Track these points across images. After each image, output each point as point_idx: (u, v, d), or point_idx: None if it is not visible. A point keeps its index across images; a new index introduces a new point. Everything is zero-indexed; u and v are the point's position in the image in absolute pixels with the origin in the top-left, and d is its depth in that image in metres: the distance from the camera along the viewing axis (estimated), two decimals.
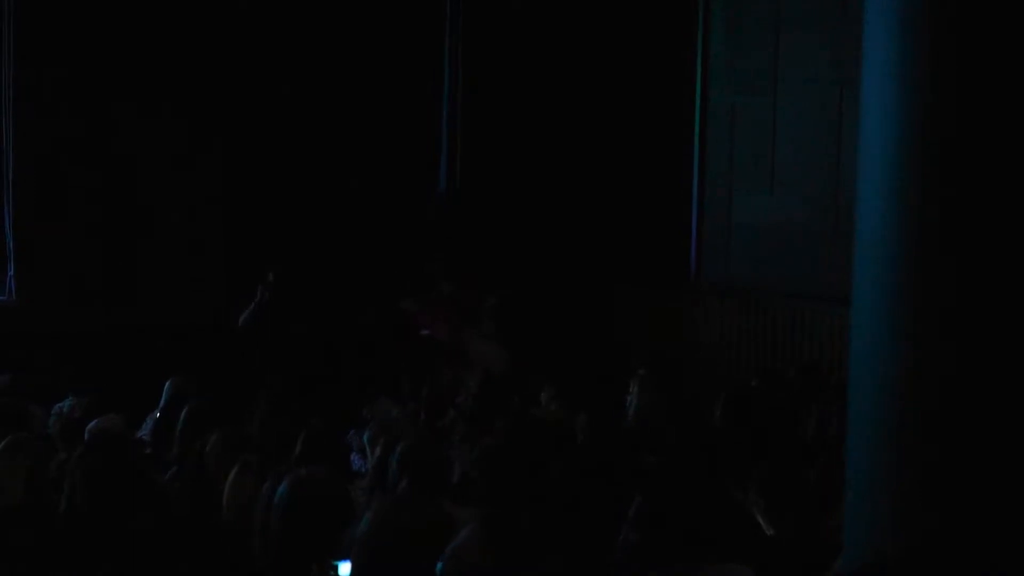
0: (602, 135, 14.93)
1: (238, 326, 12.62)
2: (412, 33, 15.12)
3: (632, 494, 5.26)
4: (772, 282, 13.59)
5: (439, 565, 5.66)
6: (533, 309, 14.36)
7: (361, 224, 14.73)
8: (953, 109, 3.54)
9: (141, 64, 14.02)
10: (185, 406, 8.63)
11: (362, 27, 14.79)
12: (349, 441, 9.03)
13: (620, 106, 14.83)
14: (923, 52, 3.57)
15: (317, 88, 14.69)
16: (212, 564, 6.82)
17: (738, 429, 8.73)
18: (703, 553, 4.88)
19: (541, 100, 15.01)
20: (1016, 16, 3.44)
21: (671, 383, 10.47)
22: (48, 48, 13.72)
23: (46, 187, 13.81)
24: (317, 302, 13.26)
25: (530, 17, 14.92)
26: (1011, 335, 3.50)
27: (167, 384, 9.61)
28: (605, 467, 7.53)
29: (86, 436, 8.49)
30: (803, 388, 10.30)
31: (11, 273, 13.81)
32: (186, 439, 8.24)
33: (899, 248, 3.66)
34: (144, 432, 9.60)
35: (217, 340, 12.91)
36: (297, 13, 14.60)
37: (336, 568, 6.09)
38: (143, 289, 14.03)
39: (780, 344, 13.13)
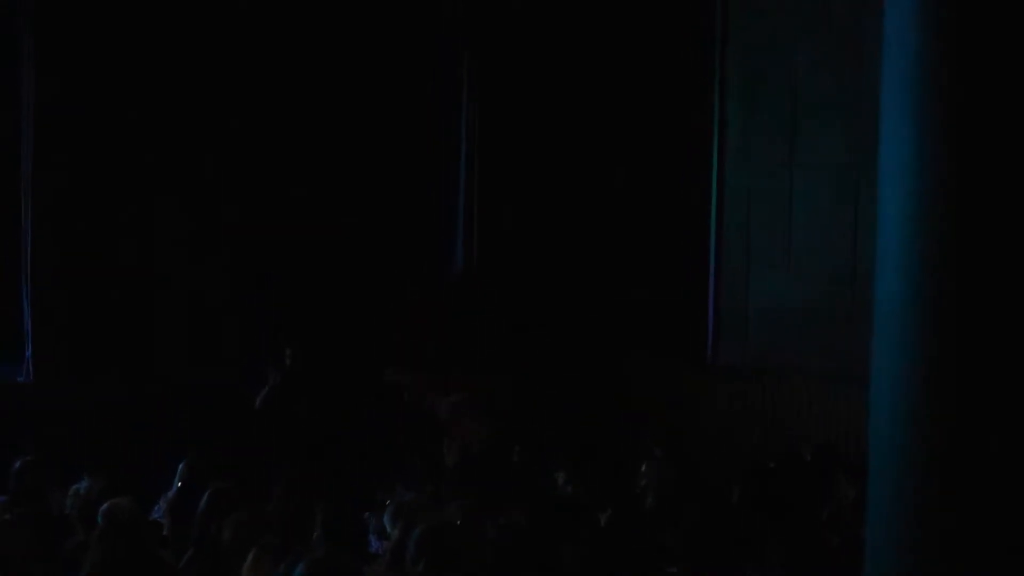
0: (620, 216, 14.99)
1: (255, 408, 12.61)
2: (429, 112, 15.22)
3: None
4: (789, 362, 13.57)
5: None
6: (549, 388, 14.36)
7: (379, 300, 14.78)
8: (971, 192, 3.56)
9: (150, 140, 14.10)
10: (199, 488, 8.61)
11: (380, 106, 14.88)
12: (366, 522, 9.01)
13: (638, 187, 14.90)
14: (940, 135, 3.59)
15: (333, 162, 14.77)
16: None
17: (756, 509, 8.71)
18: None
19: (560, 180, 15.09)
20: None
21: (688, 463, 10.45)
22: (62, 129, 13.81)
23: (64, 271, 13.86)
24: (332, 383, 13.26)
25: (547, 98, 15.01)
26: None
27: (180, 466, 9.59)
28: (626, 553, 7.51)
29: (99, 519, 8.46)
30: (820, 468, 10.26)
31: (29, 354, 13.84)
32: (202, 522, 8.22)
33: (917, 329, 3.67)
34: (158, 513, 9.57)
35: (233, 417, 12.91)
36: (316, 90, 14.70)
37: None
38: (160, 366, 14.04)
39: (797, 424, 13.09)
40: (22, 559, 7.63)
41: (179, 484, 9.41)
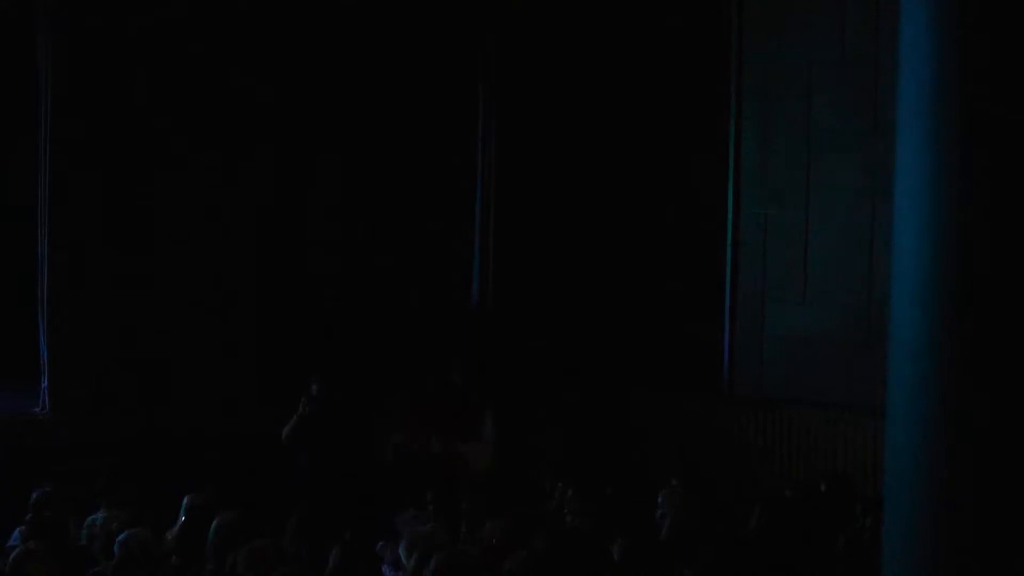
0: (635, 244, 15.00)
1: (281, 439, 12.60)
2: (445, 148, 15.28)
3: None
4: (805, 392, 13.55)
5: None
6: (564, 418, 14.35)
7: (396, 333, 14.81)
8: (989, 219, 3.56)
9: (168, 169, 14.11)
10: (205, 520, 8.61)
11: (396, 141, 14.94)
12: (380, 553, 9.00)
13: (653, 215, 14.91)
14: (956, 162, 3.59)
15: (349, 199, 14.81)
16: None
17: (772, 539, 8.69)
18: None
19: (574, 209, 15.11)
20: None
21: (704, 494, 10.43)
22: (80, 159, 13.84)
23: (78, 300, 13.87)
24: (359, 414, 13.24)
25: (563, 129, 15.04)
26: None
27: (185, 500, 9.56)
28: None
29: (116, 549, 8.48)
30: (836, 499, 10.24)
31: (45, 385, 13.84)
32: (214, 554, 8.23)
33: (933, 357, 3.66)
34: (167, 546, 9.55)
35: (250, 450, 12.90)
36: (339, 125, 14.76)
37: None
38: (177, 398, 14.03)
39: (813, 455, 13.07)
40: None
41: (183, 517, 9.40)
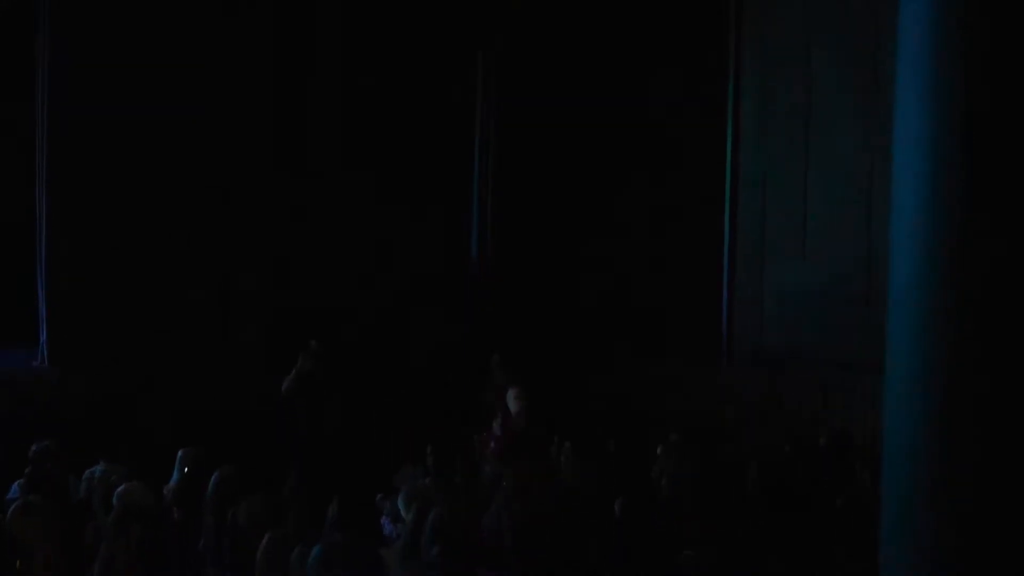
0: (632, 204, 15.00)
1: (281, 392, 12.60)
2: (445, 109, 15.28)
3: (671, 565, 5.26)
4: (804, 349, 13.56)
5: None
6: (563, 376, 14.36)
7: (398, 293, 14.85)
8: (985, 178, 3.56)
9: (166, 133, 14.09)
10: (200, 475, 8.64)
11: (397, 106, 14.95)
12: (379, 506, 9.03)
13: (650, 174, 14.90)
14: (955, 121, 3.60)
15: (351, 164, 14.83)
16: None
17: (772, 495, 8.72)
18: None
19: (573, 170, 15.11)
20: None
21: (704, 450, 10.45)
22: (77, 118, 13.82)
23: (79, 256, 13.86)
24: (356, 371, 13.26)
25: (561, 89, 15.01)
26: None
27: (179, 454, 9.57)
28: (641, 539, 7.53)
29: (115, 501, 8.51)
30: (835, 455, 10.26)
31: (44, 339, 13.85)
32: (214, 507, 8.26)
33: (932, 315, 3.67)
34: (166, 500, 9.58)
35: (252, 415, 12.91)
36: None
37: None
38: (175, 352, 14.04)
39: (812, 411, 13.09)
40: (40, 542, 7.68)
41: (185, 471, 9.42)
